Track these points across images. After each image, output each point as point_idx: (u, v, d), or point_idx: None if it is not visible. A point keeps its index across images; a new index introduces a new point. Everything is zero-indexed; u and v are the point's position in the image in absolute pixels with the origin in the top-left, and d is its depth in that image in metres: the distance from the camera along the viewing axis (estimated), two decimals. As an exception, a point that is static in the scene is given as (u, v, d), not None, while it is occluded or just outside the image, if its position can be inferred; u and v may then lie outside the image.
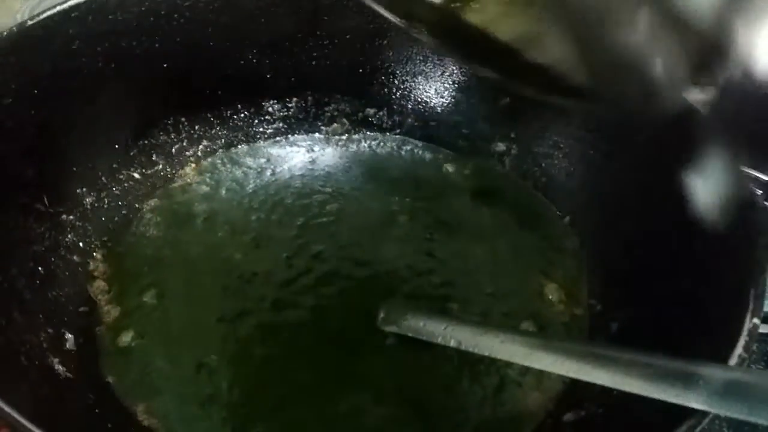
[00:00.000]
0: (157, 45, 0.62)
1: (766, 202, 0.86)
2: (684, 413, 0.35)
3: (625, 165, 0.59)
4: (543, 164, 0.66)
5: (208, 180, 0.65)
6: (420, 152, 0.70)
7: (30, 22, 0.53)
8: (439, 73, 0.70)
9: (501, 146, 0.69)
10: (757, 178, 0.85)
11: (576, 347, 0.42)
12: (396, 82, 0.71)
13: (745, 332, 0.39)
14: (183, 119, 0.67)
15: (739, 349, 0.38)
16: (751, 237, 0.44)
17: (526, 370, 0.51)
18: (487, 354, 0.49)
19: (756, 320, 0.40)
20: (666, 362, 0.37)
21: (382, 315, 0.54)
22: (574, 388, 0.50)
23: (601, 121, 0.60)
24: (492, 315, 0.55)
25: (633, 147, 0.57)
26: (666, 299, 0.49)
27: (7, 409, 0.35)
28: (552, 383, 0.50)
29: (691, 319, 0.46)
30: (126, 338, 0.52)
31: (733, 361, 0.38)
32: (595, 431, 0.45)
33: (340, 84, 0.71)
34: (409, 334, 0.51)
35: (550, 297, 0.57)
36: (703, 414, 0.35)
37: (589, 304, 0.56)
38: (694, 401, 0.35)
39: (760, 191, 0.86)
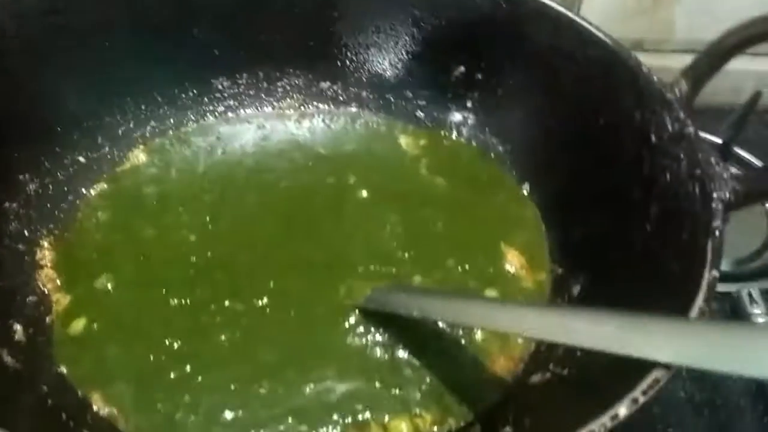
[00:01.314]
0: (96, 19, 0.59)
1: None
2: (646, 369, 0.35)
3: (582, 130, 0.58)
4: (500, 133, 0.66)
5: (157, 161, 0.63)
6: (375, 125, 0.69)
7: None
8: (392, 43, 0.68)
9: (458, 116, 0.68)
10: (711, 142, 0.87)
11: (535, 308, 0.42)
12: (349, 54, 0.69)
13: (704, 285, 0.39)
14: (128, 99, 0.65)
15: (699, 302, 0.39)
16: (707, 191, 0.44)
17: (491, 338, 0.51)
18: (450, 321, 0.49)
19: (715, 272, 0.40)
20: (627, 318, 0.37)
21: (343, 290, 0.53)
22: (540, 351, 0.50)
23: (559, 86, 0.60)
24: (454, 285, 0.54)
25: (590, 113, 0.57)
26: (625, 259, 0.50)
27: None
28: (518, 348, 0.50)
29: (651, 277, 0.46)
30: (78, 326, 0.50)
31: (693, 313, 0.38)
32: (561, 392, 0.45)
33: (292, 58, 0.69)
34: (371, 307, 0.51)
35: (512, 264, 0.57)
36: (666, 368, 0.35)
37: (551, 269, 0.56)
38: (656, 355, 0.35)
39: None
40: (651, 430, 0.56)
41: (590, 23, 0.56)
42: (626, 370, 0.36)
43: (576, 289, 0.53)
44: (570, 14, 0.58)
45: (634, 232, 0.49)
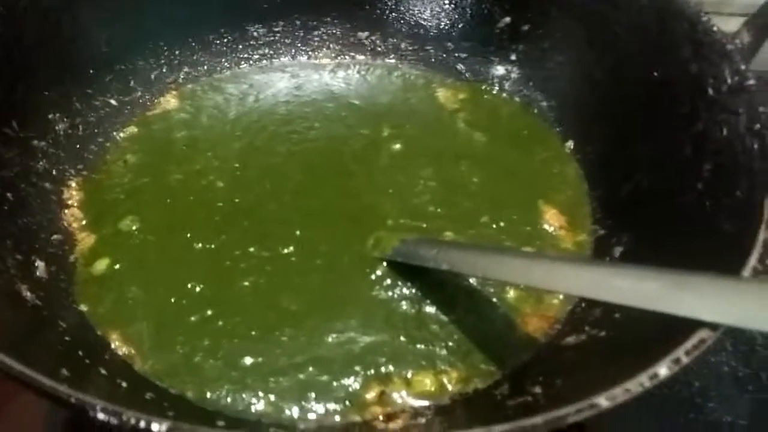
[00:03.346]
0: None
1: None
2: (689, 330, 0.32)
3: (633, 83, 0.55)
4: (545, 87, 0.63)
5: (188, 107, 0.62)
6: (412, 78, 0.66)
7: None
8: (435, -8, 0.66)
9: (500, 70, 0.65)
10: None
11: (576, 263, 0.39)
12: (390, 3, 0.67)
13: (759, 243, 0.36)
14: (162, 44, 0.64)
15: (753, 261, 0.35)
16: (766, 146, 0.41)
17: (525, 297, 0.48)
18: (481, 275, 0.46)
19: (772, 230, 0.37)
20: (674, 275, 0.34)
21: (371, 242, 0.51)
22: (576, 312, 0.47)
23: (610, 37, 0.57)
24: (488, 242, 0.52)
25: (643, 65, 0.54)
26: (672, 218, 0.46)
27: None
28: (552, 309, 0.48)
29: (700, 237, 0.43)
30: (101, 266, 0.49)
31: (746, 272, 0.35)
32: (596, 353, 0.42)
33: (330, 6, 0.67)
34: (399, 260, 0.49)
35: (551, 223, 0.54)
36: (713, 328, 0.32)
37: (592, 230, 0.53)
38: (705, 314, 0.32)
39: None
40: (690, 405, 0.53)
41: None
42: (667, 332, 0.33)
43: (618, 251, 0.50)
44: (624, -38, 0.54)
45: (684, 190, 0.46)
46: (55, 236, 0.50)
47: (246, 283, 0.48)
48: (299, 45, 0.67)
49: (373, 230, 0.52)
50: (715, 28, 0.49)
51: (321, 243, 0.51)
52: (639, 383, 0.30)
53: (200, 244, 0.50)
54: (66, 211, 0.53)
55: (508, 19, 0.63)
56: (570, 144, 0.59)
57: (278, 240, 0.51)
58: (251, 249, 0.50)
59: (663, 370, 0.31)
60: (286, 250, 0.50)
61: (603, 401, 0.29)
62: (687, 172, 0.46)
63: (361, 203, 0.54)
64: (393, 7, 0.66)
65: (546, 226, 0.54)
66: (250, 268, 0.49)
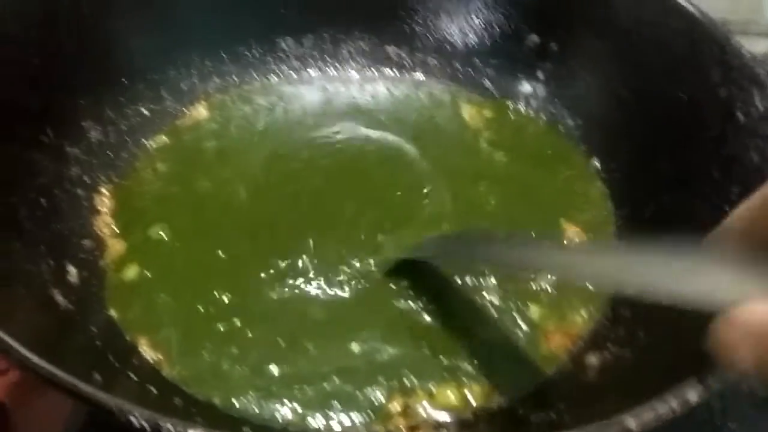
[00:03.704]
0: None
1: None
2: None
3: (661, 105, 0.55)
4: (571, 106, 0.63)
5: (217, 117, 0.63)
6: (438, 94, 0.67)
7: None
8: (464, 10, 0.66)
9: (527, 87, 0.65)
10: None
11: (601, 248, 0.38)
12: (418, 19, 0.67)
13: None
14: (193, 55, 0.65)
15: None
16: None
17: (548, 313, 0.49)
18: (506, 264, 0.47)
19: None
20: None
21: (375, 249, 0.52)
22: (598, 330, 0.47)
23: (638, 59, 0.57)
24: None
25: (671, 87, 0.54)
26: (698, 238, 0.46)
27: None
28: (575, 326, 0.48)
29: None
30: (131, 273, 0.50)
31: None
32: (620, 372, 0.42)
33: (358, 20, 0.68)
34: (419, 257, 0.49)
35: (572, 241, 0.54)
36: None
37: (615, 249, 0.53)
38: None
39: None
40: (710, 426, 0.52)
41: (675, -7, 0.53)
42: (697, 354, 0.33)
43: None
44: (654, -17, 0.55)
45: (710, 212, 0.46)
46: (86, 242, 0.51)
47: (272, 293, 0.49)
48: (328, 58, 0.68)
49: (383, 248, 0.52)
50: (744, 51, 0.49)
51: (345, 254, 0.51)
52: (669, 408, 0.30)
53: (227, 253, 0.51)
54: (97, 217, 0.53)
55: (536, 38, 0.64)
56: (595, 163, 0.60)
57: (303, 250, 0.51)
58: (276, 258, 0.51)
59: (693, 396, 0.31)
60: (310, 260, 0.51)
61: (631, 423, 0.30)
62: (714, 194, 0.46)
63: (385, 220, 0.55)
64: (421, 22, 0.67)
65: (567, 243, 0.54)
66: (275, 277, 0.50)
